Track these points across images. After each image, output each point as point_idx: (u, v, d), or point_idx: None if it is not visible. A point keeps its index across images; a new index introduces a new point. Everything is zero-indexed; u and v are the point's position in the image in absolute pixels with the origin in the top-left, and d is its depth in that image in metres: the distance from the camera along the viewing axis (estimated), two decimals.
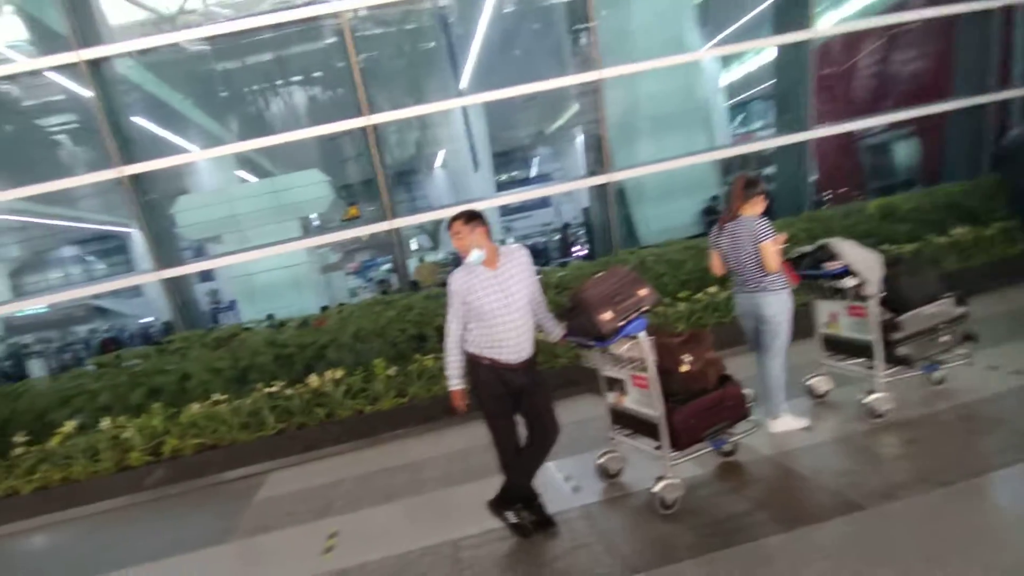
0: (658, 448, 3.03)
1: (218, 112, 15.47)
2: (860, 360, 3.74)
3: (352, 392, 5.46)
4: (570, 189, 11.74)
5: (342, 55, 7.29)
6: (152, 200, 7.74)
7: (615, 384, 3.31)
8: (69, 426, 5.41)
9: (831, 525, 2.62)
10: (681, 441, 2.98)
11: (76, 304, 27.28)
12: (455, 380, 2.93)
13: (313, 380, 5.41)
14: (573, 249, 14.50)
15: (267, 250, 8.10)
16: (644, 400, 3.07)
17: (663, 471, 2.99)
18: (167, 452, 5.17)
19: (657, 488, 2.95)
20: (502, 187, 23.58)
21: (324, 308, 9.52)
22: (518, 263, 2.91)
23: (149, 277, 7.69)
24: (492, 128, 17.12)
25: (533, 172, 28.32)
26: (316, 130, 7.70)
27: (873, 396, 3.55)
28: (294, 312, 9.17)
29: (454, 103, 9.01)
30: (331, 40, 10.09)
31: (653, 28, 9.37)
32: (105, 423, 5.32)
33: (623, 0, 9.20)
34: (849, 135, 11.53)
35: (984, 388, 3.70)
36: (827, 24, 9.97)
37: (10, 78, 8.45)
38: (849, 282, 3.49)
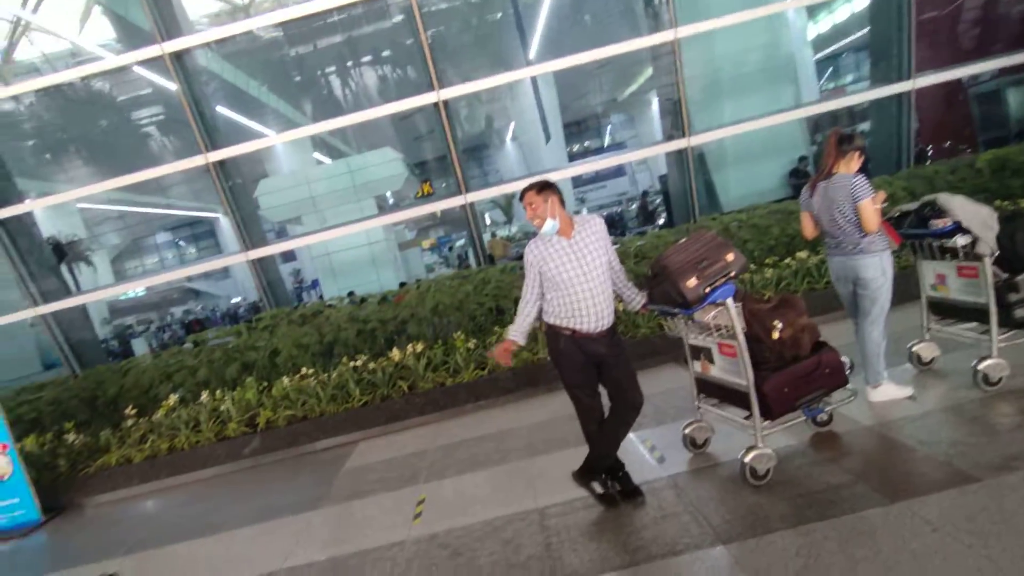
0: (748, 418, 2.97)
1: (293, 96, 16.13)
2: (971, 324, 3.47)
3: (433, 365, 5.63)
4: (646, 156, 11.42)
5: (411, 31, 7.39)
6: (236, 185, 8.21)
7: (700, 353, 3.24)
8: (172, 400, 5.83)
9: (940, 497, 2.49)
10: (773, 410, 2.89)
11: (171, 287, 29.79)
12: (515, 333, 2.98)
13: (395, 354, 5.63)
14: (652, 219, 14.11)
15: (345, 229, 8.46)
16: (732, 369, 2.99)
17: (753, 441, 2.93)
18: (261, 423, 5.47)
19: (748, 458, 2.89)
20: (574, 158, 23.27)
21: (402, 284, 9.87)
22: (594, 232, 2.89)
23: (237, 258, 8.17)
24: (563, 98, 16.90)
25: (606, 141, 27.68)
26: (387, 108, 7.87)
27: (987, 362, 3.29)
28: (374, 289, 9.60)
29: (523, 73, 8.90)
30: (399, 18, 10.23)
31: None
32: (204, 396, 5.73)
33: None
34: (956, 83, 10.47)
35: None
36: None
37: (102, 75, 9.18)
38: (961, 240, 3.22)
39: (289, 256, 27.38)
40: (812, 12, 14.24)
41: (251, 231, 8.11)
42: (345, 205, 12.28)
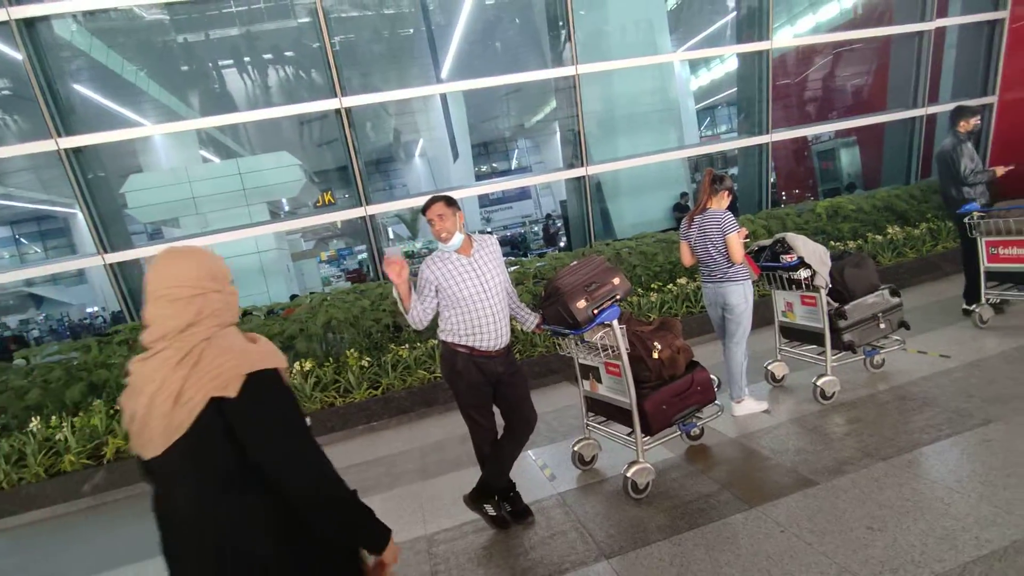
0: (630, 434, 3.18)
1: (177, 87, 14.82)
2: (812, 346, 4.05)
3: (323, 384, 5.34)
4: (548, 181, 11.90)
5: (317, 34, 7.17)
6: (98, 178, 7.27)
7: (589, 372, 3.42)
8: None
9: (788, 501, 2.83)
10: (652, 426, 3.11)
11: (4, 291, 25.39)
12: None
13: None
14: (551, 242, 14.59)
15: (229, 235, 7.83)
16: (617, 387, 3.19)
17: (635, 456, 3.12)
18: (109, 454, 4.74)
19: (630, 473, 3.07)
20: (481, 178, 23.60)
21: (293, 297, 9.35)
22: (490, 251, 2.93)
23: (89, 262, 7.14)
24: (472, 119, 17.12)
25: (513, 164, 28.37)
26: (283, 110, 7.49)
27: (824, 379, 3.84)
28: (262, 301, 8.98)
29: (430, 90, 8.96)
30: (305, 19, 9.86)
31: (628, 30, 9.64)
32: (34, 424, 4.84)
33: (600, 2, 9.40)
34: (802, 141, 12.29)
35: (916, 371, 4.09)
36: (784, 38, 10.49)
37: None
38: (803, 273, 3.76)
39: None
40: (694, 67, 15.84)
41: (111, 231, 7.17)
42: (232, 209, 11.43)
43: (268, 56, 13.45)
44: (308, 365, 5.35)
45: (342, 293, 6.63)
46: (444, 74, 11.10)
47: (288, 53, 12.96)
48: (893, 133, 9.03)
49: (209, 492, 1.28)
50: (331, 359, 5.58)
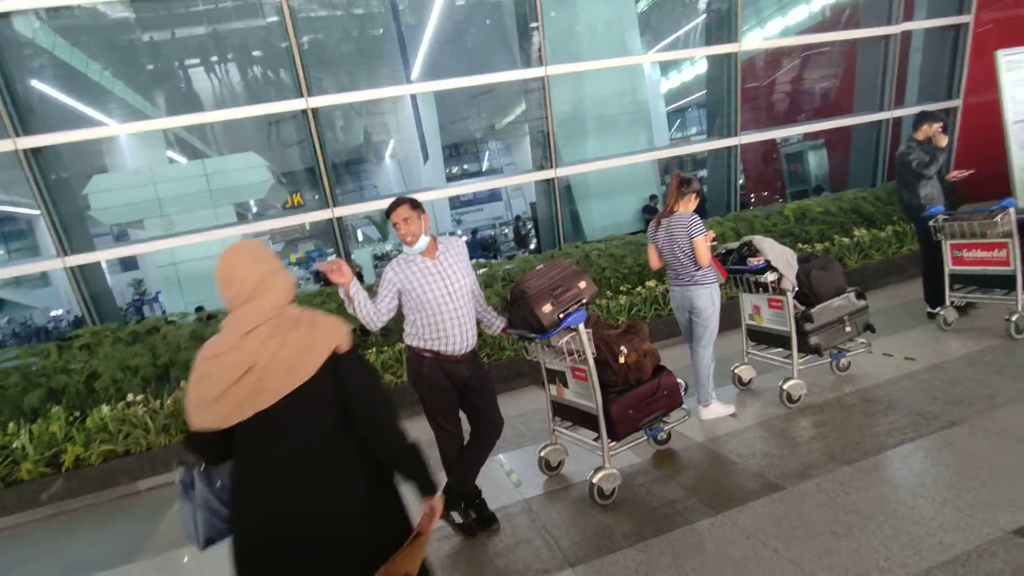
0: (597, 439, 3.13)
1: (142, 86, 14.42)
2: (779, 349, 4.04)
3: None
4: (518, 182, 11.89)
5: (283, 34, 7.00)
6: (60, 179, 7.04)
7: (556, 376, 3.37)
8: None
9: (754, 506, 2.81)
10: (619, 431, 3.08)
11: None
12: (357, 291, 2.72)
13: None
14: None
15: (194, 237, 7.62)
16: (584, 392, 3.15)
17: (601, 462, 3.08)
18: (67, 462, 4.61)
19: (596, 478, 3.03)
20: (452, 179, 23.46)
21: (199, 309, 9.08)
22: (457, 253, 2.89)
23: (48, 264, 6.94)
24: (443, 120, 16.96)
25: (484, 166, 28.23)
26: (249, 110, 7.29)
27: (790, 383, 3.83)
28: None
29: (400, 90, 8.87)
30: (273, 18, 9.65)
31: (598, 32, 9.65)
32: None
33: (570, 3, 9.41)
34: (770, 144, 12.46)
35: (881, 373, 4.11)
36: (753, 41, 10.60)
37: None
38: (770, 276, 3.75)
39: (131, 264, 24.05)
40: (664, 69, 15.96)
41: (72, 233, 6.94)
42: (198, 211, 11.13)
43: (235, 55, 13.17)
44: None
45: (309, 296, 6.47)
46: (414, 75, 10.96)
47: (255, 52, 12.70)
48: (860, 136, 9.18)
49: (317, 435, 1.54)
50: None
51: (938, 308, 4.86)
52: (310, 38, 10.42)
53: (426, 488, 1.68)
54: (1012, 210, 4.27)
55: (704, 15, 8.31)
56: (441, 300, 2.76)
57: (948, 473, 2.81)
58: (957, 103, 8.63)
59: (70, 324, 20.16)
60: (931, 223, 4.73)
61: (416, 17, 11.05)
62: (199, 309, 8.69)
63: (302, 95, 6.97)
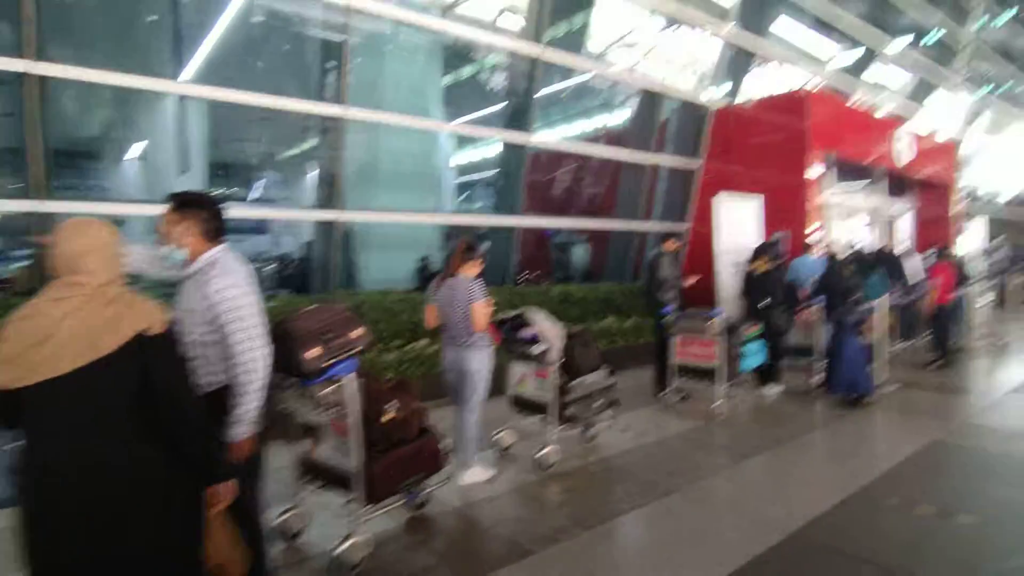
0: (350, 502, 2.81)
1: None
2: (539, 417, 4.26)
3: None
4: (299, 218, 11.02)
5: None
6: None
7: (310, 431, 3.01)
8: None
9: (505, 572, 2.78)
10: (378, 493, 2.83)
11: None
12: None
13: None
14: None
15: None
16: (341, 448, 2.83)
17: (352, 527, 2.76)
18: None
19: (342, 549, 2.70)
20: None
21: None
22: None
23: None
24: (216, 135, 14.99)
25: (257, 194, 25.58)
26: None
27: (546, 449, 4.04)
28: None
29: (163, 85, 7.64)
30: None
31: (401, 90, 9.88)
32: None
33: (379, 56, 9.50)
34: (544, 231, 14.04)
35: (620, 445, 4.61)
36: (542, 137, 12.07)
37: None
38: (539, 347, 4.00)
39: None
40: (460, 143, 16.99)
41: None
42: None
43: None
44: None
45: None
46: (186, 75, 9.58)
47: None
48: (617, 237, 10.83)
49: (109, 410, 1.60)
50: None
51: (663, 392, 5.80)
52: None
53: (211, 477, 1.77)
54: (717, 319, 5.38)
55: (504, 103, 9.07)
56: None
57: (664, 536, 3.20)
58: (687, 225, 10.80)
59: None
60: (663, 320, 5.71)
61: (201, 18, 9.84)
62: None
63: (23, 56, 5.48)
